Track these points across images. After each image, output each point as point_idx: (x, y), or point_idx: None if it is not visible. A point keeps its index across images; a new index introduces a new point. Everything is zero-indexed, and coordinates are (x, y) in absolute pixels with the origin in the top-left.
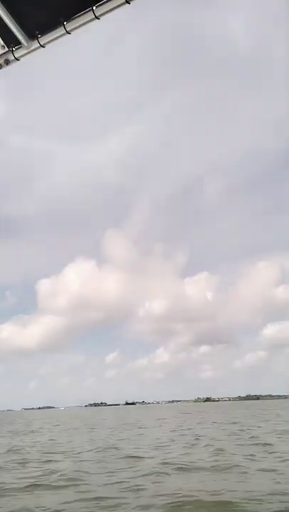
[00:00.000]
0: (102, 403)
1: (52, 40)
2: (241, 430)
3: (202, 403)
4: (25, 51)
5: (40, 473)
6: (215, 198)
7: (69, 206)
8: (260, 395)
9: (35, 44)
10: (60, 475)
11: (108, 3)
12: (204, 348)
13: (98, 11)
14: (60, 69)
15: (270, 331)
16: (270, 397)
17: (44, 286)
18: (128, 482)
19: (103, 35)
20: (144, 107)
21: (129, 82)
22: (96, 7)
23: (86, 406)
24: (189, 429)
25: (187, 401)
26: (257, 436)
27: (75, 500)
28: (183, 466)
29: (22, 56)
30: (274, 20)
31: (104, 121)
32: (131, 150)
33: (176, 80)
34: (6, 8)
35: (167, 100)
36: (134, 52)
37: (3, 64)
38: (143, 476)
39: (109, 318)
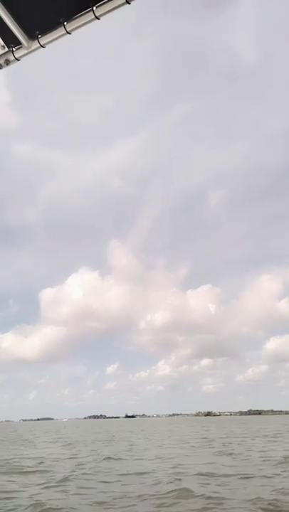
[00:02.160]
0: (101, 415)
1: (52, 40)
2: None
3: (203, 417)
4: (25, 51)
5: None
6: (218, 210)
7: (72, 216)
8: (262, 410)
9: (36, 44)
10: None
11: (108, 4)
12: (206, 362)
13: (98, 11)
14: (63, 72)
15: (273, 344)
16: (272, 412)
17: (47, 295)
18: None
19: (108, 42)
20: (148, 117)
21: (134, 92)
22: (96, 7)
23: (85, 418)
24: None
25: (188, 415)
26: None
27: None
28: None
29: (22, 56)
30: (278, 33)
31: (108, 131)
32: (134, 160)
33: (181, 92)
34: (6, 8)
35: (172, 111)
36: (140, 63)
37: (3, 64)
38: None
39: (111, 329)
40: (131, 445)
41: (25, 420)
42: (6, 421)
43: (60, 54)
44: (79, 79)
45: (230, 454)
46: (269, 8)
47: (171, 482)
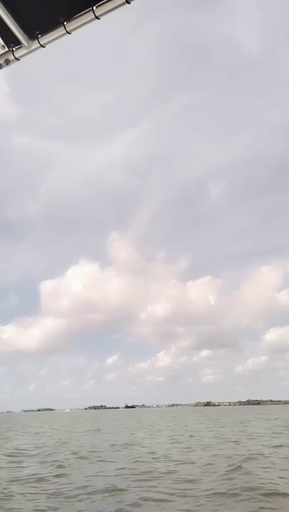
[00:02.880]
0: (101, 406)
1: (52, 40)
2: None
3: (202, 407)
4: (25, 51)
5: None
6: (218, 202)
7: (72, 208)
8: (261, 400)
9: (36, 44)
10: None
11: (108, 3)
12: (206, 353)
13: (98, 11)
14: (63, 70)
15: (272, 335)
16: (271, 402)
17: (47, 287)
18: None
19: (108, 37)
20: (148, 110)
21: (134, 86)
22: (96, 7)
23: (86, 409)
24: None
25: (187, 405)
26: None
27: None
28: None
29: (22, 56)
30: (280, 24)
31: (108, 124)
32: (134, 153)
33: (181, 84)
34: (6, 8)
35: (172, 104)
36: (140, 57)
37: (3, 64)
38: None
39: (111, 321)
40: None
41: (26, 411)
42: (6, 412)
43: (60, 53)
44: (79, 75)
45: None
46: (273, 1)
47: None
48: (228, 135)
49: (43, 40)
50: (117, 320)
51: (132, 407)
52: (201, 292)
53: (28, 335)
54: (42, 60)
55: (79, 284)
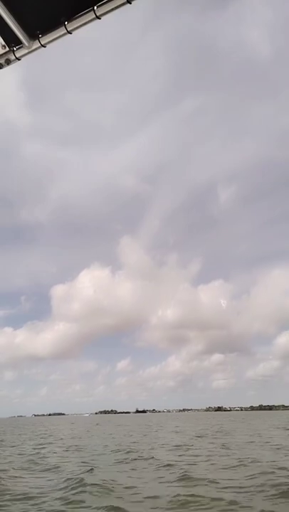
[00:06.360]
0: (112, 411)
1: (53, 39)
2: None
3: (214, 412)
4: (26, 51)
5: None
6: (229, 206)
7: (83, 213)
8: (273, 405)
9: (36, 44)
10: None
11: (109, 3)
12: (217, 357)
13: (99, 11)
14: (72, 75)
15: (284, 340)
16: (283, 407)
17: (58, 292)
18: None
19: (116, 41)
20: (157, 114)
21: (143, 90)
22: (97, 7)
23: (96, 413)
24: None
25: (198, 410)
26: None
27: None
28: None
29: (23, 56)
30: None
31: (117, 128)
32: (145, 157)
33: (190, 89)
34: (7, 7)
35: (181, 108)
36: (149, 59)
37: (4, 64)
38: None
39: (122, 325)
40: None
41: (37, 415)
42: (18, 416)
43: (63, 53)
44: (87, 78)
45: None
46: (282, 4)
47: None
48: (237, 139)
49: (44, 39)
50: (127, 324)
51: (143, 411)
52: (212, 296)
53: (40, 339)
54: (46, 61)
55: (90, 288)
